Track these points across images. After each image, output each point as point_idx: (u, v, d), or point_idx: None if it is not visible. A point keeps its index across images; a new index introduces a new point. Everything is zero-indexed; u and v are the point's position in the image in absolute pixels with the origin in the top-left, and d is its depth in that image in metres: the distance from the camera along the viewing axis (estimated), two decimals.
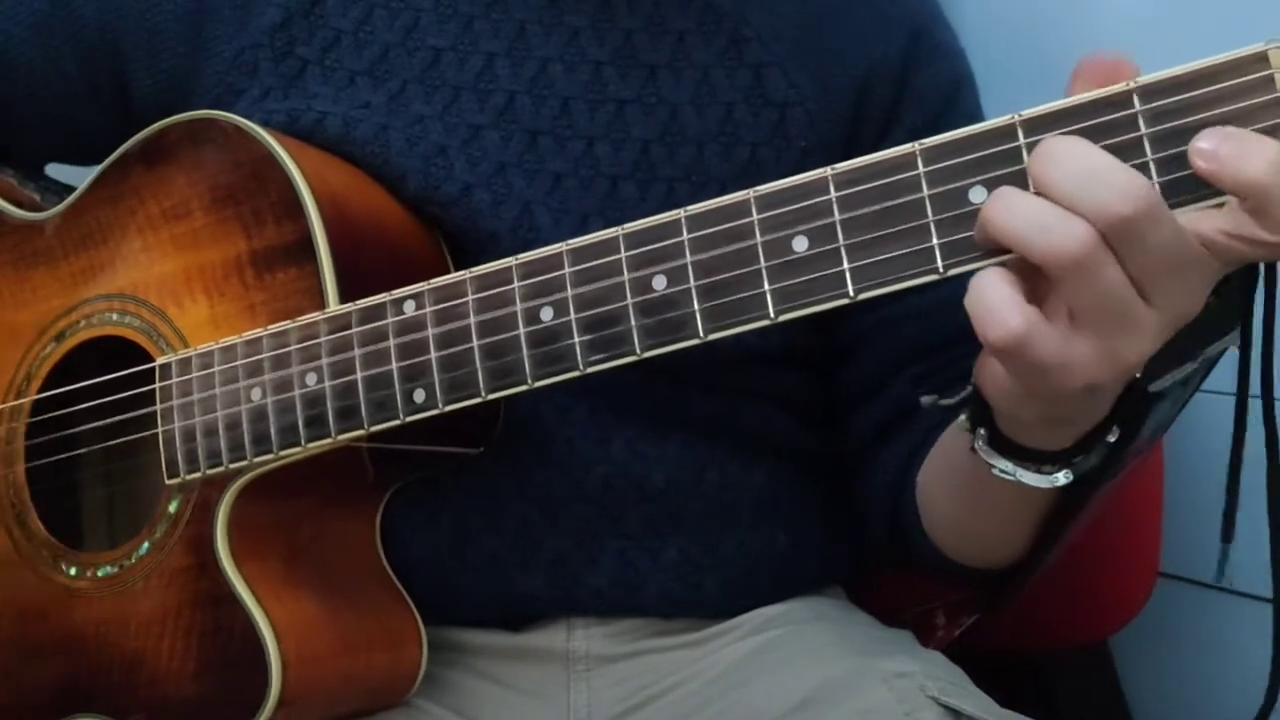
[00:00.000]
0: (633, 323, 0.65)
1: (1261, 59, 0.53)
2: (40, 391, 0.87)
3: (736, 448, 0.89)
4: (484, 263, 0.70)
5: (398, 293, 0.72)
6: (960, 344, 0.67)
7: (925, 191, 0.58)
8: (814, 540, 0.93)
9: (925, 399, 0.69)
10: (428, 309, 0.71)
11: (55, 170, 1.01)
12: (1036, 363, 0.56)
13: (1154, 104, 0.55)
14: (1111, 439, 0.66)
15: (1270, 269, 0.58)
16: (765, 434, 0.91)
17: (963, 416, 0.68)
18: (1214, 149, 0.53)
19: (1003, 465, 0.67)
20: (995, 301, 0.55)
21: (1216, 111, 0.54)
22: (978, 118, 0.80)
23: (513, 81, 0.87)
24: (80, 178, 0.90)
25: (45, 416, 0.87)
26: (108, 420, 0.84)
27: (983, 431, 0.67)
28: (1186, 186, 0.54)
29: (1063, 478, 0.67)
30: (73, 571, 0.84)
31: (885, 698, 0.78)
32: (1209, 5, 0.94)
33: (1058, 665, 1.12)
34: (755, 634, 0.89)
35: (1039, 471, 0.67)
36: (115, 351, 0.83)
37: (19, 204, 0.92)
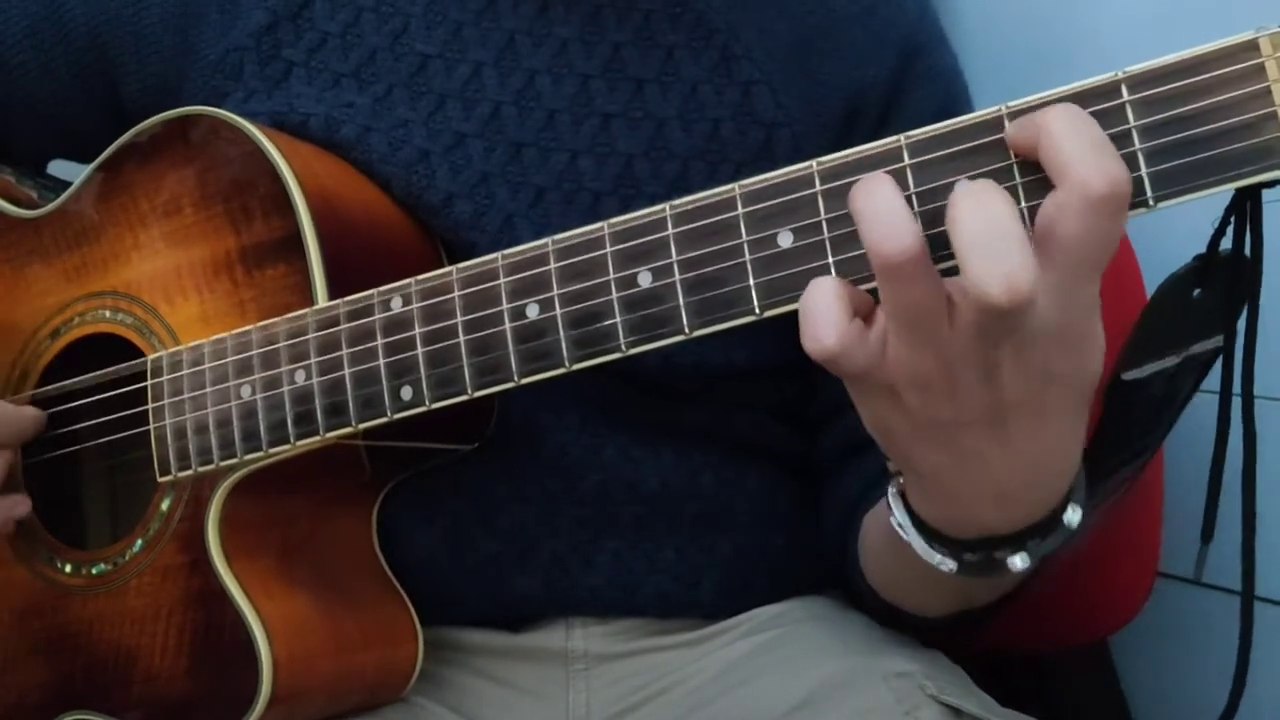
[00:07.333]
0: (618, 319, 0.64)
1: (1252, 47, 0.52)
2: (36, 388, 0.87)
3: (731, 452, 0.88)
4: None
5: (385, 289, 0.71)
6: None
7: (912, 187, 0.57)
8: (811, 542, 0.92)
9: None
10: (414, 306, 0.70)
11: (58, 167, 1.01)
12: (854, 375, 0.56)
13: (1142, 94, 0.53)
14: (1071, 517, 0.62)
15: (1254, 267, 0.57)
16: (759, 440, 0.90)
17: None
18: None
19: (919, 546, 0.65)
20: (815, 310, 0.55)
21: (1206, 101, 0.52)
22: None
23: (499, 91, 0.86)
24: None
25: None
26: (103, 418, 0.84)
27: (900, 506, 0.66)
28: (1175, 179, 0.53)
29: (1019, 561, 0.62)
30: (68, 569, 0.84)
31: (885, 697, 0.77)
32: (1208, 5, 0.92)
33: (1058, 665, 1.11)
34: (754, 633, 0.88)
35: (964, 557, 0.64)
36: (111, 348, 0.83)
37: (16, 201, 0.91)
